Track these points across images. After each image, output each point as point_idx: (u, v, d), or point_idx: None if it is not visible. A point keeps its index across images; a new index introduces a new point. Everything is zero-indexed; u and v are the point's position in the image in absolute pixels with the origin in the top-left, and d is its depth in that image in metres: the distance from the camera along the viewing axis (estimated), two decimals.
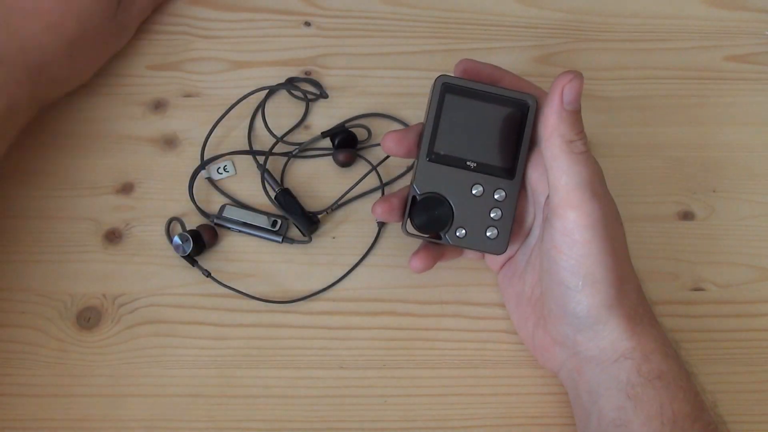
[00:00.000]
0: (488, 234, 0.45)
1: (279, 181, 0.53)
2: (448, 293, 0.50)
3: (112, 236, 0.51)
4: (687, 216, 0.53)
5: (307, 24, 0.58)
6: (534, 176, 0.45)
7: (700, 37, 0.59)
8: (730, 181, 0.54)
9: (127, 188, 0.52)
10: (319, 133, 0.54)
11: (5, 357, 0.47)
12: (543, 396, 0.47)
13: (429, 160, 0.45)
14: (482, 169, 0.45)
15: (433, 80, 0.45)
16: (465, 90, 0.45)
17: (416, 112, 0.55)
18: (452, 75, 0.45)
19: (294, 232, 0.51)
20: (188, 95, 0.55)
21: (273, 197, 0.51)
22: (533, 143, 0.45)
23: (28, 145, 0.53)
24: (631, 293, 0.42)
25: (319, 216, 0.51)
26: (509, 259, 0.48)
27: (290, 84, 0.56)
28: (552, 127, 0.41)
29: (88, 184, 0.52)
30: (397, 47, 0.58)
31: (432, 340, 0.49)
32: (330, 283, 0.50)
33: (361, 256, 0.51)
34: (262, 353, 0.48)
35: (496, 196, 0.45)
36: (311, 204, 0.52)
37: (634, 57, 0.58)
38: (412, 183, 0.45)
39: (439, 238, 0.45)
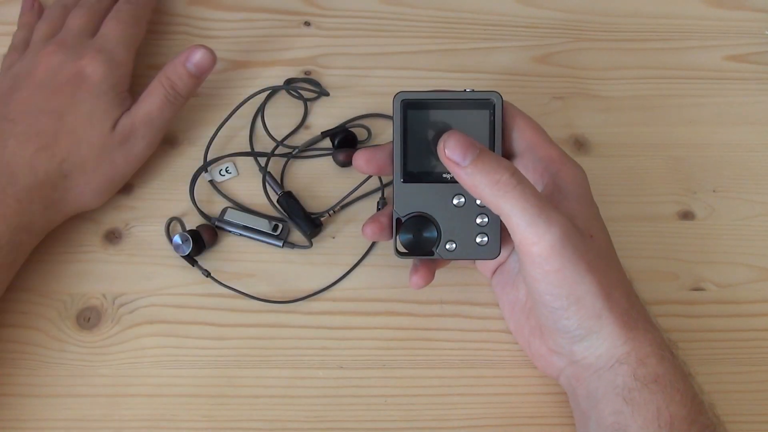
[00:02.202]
0: (478, 241, 0.45)
1: (280, 183, 0.52)
2: (448, 293, 0.50)
3: (112, 236, 0.51)
4: (687, 216, 0.53)
5: (307, 24, 0.58)
6: None
7: (700, 37, 0.59)
8: (730, 181, 0.54)
9: (127, 188, 0.52)
10: (319, 133, 0.54)
11: (5, 357, 0.47)
12: (543, 396, 0.47)
13: (404, 182, 0.44)
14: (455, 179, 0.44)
15: (392, 99, 0.44)
16: (426, 103, 0.44)
17: None
18: (410, 90, 0.44)
19: (295, 235, 0.51)
20: None
21: (275, 200, 0.51)
22: (506, 142, 0.44)
23: None
24: (621, 299, 0.42)
25: (321, 219, 0.51)
26: (500, 265, 0.48)
27: (292, 85, 0.55)
28: (473, 186, 0.40)
29: None
30: (397, 47, 0.58)
31: (432, 340, 0.49)
32: (330, 283, 0.50)
33: (360, 256, 0.51)
34: (262, 353, 0.48)
35: (478, 202, 0.44)
36: (311, 204, 0.52)
37: (634, 57, 0.58)
38: (393, 207, 0.45)
39: (432, 254, 0.45)
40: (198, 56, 0.50)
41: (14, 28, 0.57)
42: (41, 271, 0.50)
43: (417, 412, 0.47)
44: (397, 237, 0.45)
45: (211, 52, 0.50)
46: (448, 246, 0.44)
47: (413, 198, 0.44)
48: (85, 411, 0.46)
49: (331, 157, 0.54)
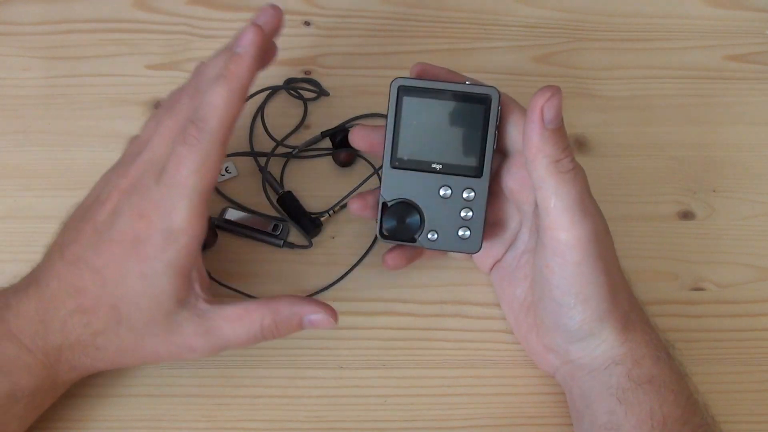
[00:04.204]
0: (460, 234, 0.45)
1: (280, 182, 0.52)
2: (448, 293, 0.50)
3: None
4: (687, 216, 0.53)
5: (307, 24, 0.58)
6: (513, 185, 0.44)
7: (700, 36, 0.59)
8: (730, 181, 0.54)
9: None
10: (319, 133, 0.54)
11: None
12: (543, 396, 0.47)
13: (392, 167, 0.44)
14: (448, 169, 0.44)
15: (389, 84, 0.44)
16: (422, 90, 0.44)
17: None
18: (408, 77, 0.44)
19: (295, 235, 0.51)
20: None
21: (275, 200, 0.51)
22: (502, 137, 0.44)
23: (28, 145, 0.53)
24: (623, 301, 0.42)
25: (321, 219, 0.51)
26: (497, 261, 0.48)
27: (292, 85, 0.56)
28: (536, 149, 0.40)
29: (88, 184, 0.52)
30: (397, 47, 0.58)
31: (432, 340, 0.49)
32: (330, 283, 0.50)
33: (360, 256, 0.51)
34: (262, 353, 0.48)
35: (464, 196, 0.44)
36: (311, 204, 0.52)
37: (634, 57, 0.58)
38: (380, 190, 0.45)
39: (414, 241, 0.45)
40: (318, 317, 0.42)
41: (15, 28, 0.57)
42: None
43: (417, 412, 0.47)
44: (382, 220, 0.45)
45: (333, 318, 0.42)
46: (430, 235, 0.45)
47: (400, 184, 0.45)
48: (85, 411, 0.46)
49: (331, 157, 0.54)
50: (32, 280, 0.42)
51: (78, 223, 0.42)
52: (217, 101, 0.39)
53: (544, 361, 0.45)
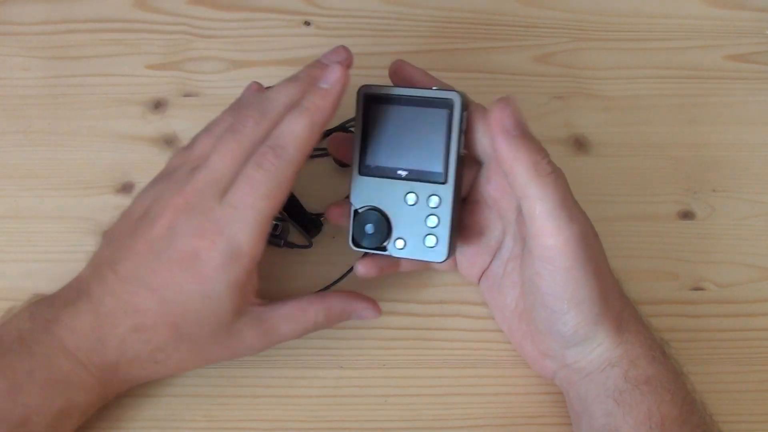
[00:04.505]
0: (427, 243, 0.44)
1: None
2: (448, 293, 0.50)
3: None
4: (687, 216, 0.53)
5: (307, 24, 0.58)
6: (493, 193, 0.44)
7: (700, 36, 0.59)
8: (730, 181, 0.54)
9: (127, 188, 0.52)
10: None
11: None
12: (543, 396, 0.47)
13: (361, 174, 0.44)
14: (413, 176, 0.44)
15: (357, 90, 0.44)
16: (387, 97, 0.44)
17: None
18: (374, 84, 0.44)
19: (295, 235, 0.51)
20: (188, 95, 0.55)
21: None
22: (473, 145, 0.44)
23: (28, 145, 0.53)
24: (615, 302, 0.42)
25: (321, 219, 0.51)
26: (485, 271, 0.47)
27: None
28: (511, 159, 0.39)
29: (88, 184, 0.52)
30: (397, 47, 0.58)
31: (432, 340, 0.49)
32: (330, 283, 0.50)
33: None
34: (262, 353, 0.48)
35: (430, 203, 0.43)
36: (310, 204, 0.52)
37: (634, 57, 0.58)
38: (350, 197, 0.45)
39: (385, 249, 0.45)
40: (366, 312, 0.45)
41: (15, 28, 0.57)
42: (41, 271, 0.50)
43: (417, 412, 0.47)
44: (352, 228, 0.45)
45: (377, 311, 0.45)
46: (398, 243, 0.44)
47: (368, 191, 0.44)
48: None
49: (331, 157, 0.54)
50: (83, 294, 0.41)
51: (128, 239, 0.41)
52: (298, 131, 0.40)
53: (541, 367, 0.45)
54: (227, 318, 0.41)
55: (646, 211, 0.53)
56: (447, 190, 0.43)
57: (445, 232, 0.43)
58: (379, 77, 0.56)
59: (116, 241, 0.42)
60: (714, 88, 0.57)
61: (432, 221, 0.43)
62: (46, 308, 0.41)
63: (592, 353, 0.41)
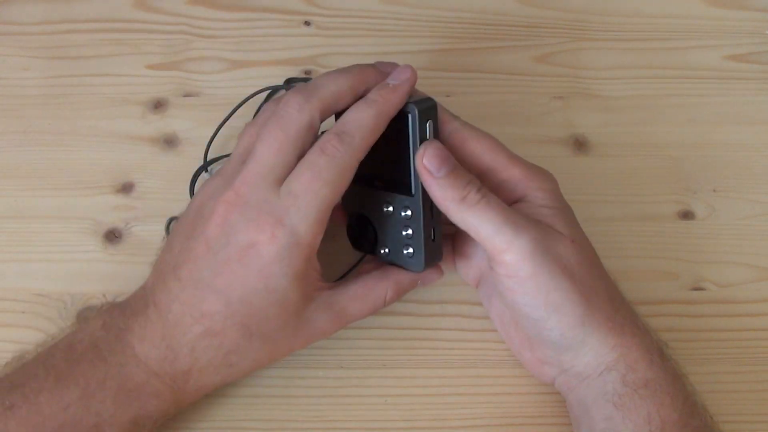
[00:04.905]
0: (405, 252, 0.44)
1: None
2: (448, 293, 0.50)
3: (112, 236, 0.51)
4: (687, 216, 0.53)
5: (307, 24, 0.58)
6: None
7: (700, 36, 0.59)
8: (730, 181, 0.54)
9: (127, 188, 0.52)
10: (319, 133, 0.54)
11: (5, 357, 0.47)
12: (543, 396, 0.47)
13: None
14: (387, 187, 0.43)
15: None
16: None
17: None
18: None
19: None
20: (188, 95, 0.55)
21: None
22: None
23: (28, 145, 0.53)
24: (604, 304, 0.41)
25: None
26: (482, 276, 0.47)
27: (292, 85, 0.56)
28: (441, 199, 0.40)
29: (88, 184, 0.52)
30: (397, 47, 0.58)
31: (432, 340, 0.49)
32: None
33: (361, 256, 0.51)
34: None
35: (403, 214, 0.43)
36: None
37: (634, 57, 0.58)
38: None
39: (375, 253, 0.45)
40: (432, 276, 0.46)
41: (15, 28, 0.57)
42: (41, 271, 0.50)
43: (417, 412, 0.47)
44: (348, 230, 0.46)
45: (441, 271, 0.46)
46: (382, 250, 0.45)
47: (355, 198, 0.45)
48: None
49: None
50: (150, 302, 0.40)
51: (187, 241, 0.40)
52: (365, 120, 0.40)
53: (540, 373, 0.45)
54: (296, 308, 0.40)
55: (646, 211, 0.53)
56: (416, 203, 0.42)
57: (419, 243, 0.43)
58: None
59: (174, 244, 0.41)
60: (714, 88, 0.57)
61: (408, 232, 0.43)
62: (119, 317, 0.41)
63: (587, 356, 0.41)
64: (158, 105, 0.55)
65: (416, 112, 0.41)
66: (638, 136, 0.55)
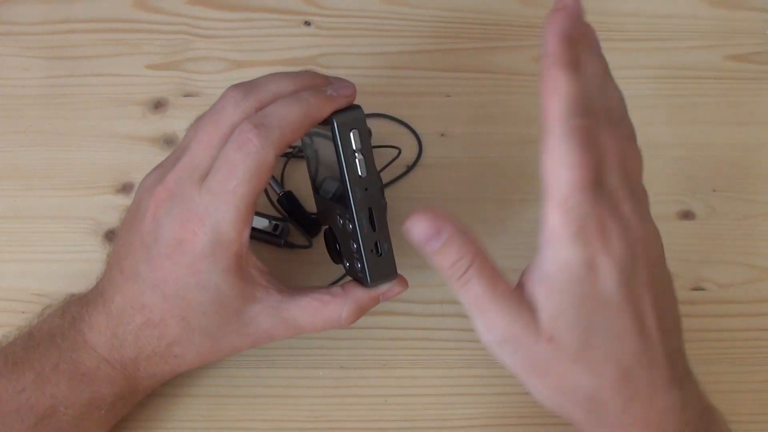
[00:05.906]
0: (358, 267, 0.41)
1: (280, 183, 0.53)
2: (448, 293, 0.50)
3: (112, 236, 0.51)
4: (687, 216, 0.53)
5: (307, 24, 0.58)
6: None
7: (700, 36, 0.59)
8: (730, 181, 0.54)
9: (126, 188, 0.52)
10: None
11: None
12: None
13: (314, 192, 0.45)
14: (335, 199, 0.42)
15: None
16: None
17: (416, 111, 0.55)
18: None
19: (295, 234, 0.51)
20: (188, 95, 0.55)
21: (275, 200, 0.51)
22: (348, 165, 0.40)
23: (28, 145, 0.53)
24: (585, 403, 0.37)
25: None
26: None
27: None
28: (439, 270, 0.35)
29: (88, 184, 0.52)
30: (397, 47, 0.58)
31: (432, 340, 0.49)
32: (330, 283, 0.50)
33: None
34: (262, 353, 0.48)
35: (349, 228, 0.41)
36: (311, 204, 0.52)
37: (634, 57, 0.58)
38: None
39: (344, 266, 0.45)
40: (394, 290, 0.43)
41: (15, 28, 0.57)
42: (41, 271, 0.50)
43: (417, 412, 0.47)
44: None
45: (405, 284, 0.43)
46: (346, 264, 0.44)
47: (322, 210, 0.45)
48: None
49: None
50: (99, 293, 0.42)
51: (127, 234, 0.41)
52: (290, 116, 0.38)
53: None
54: (236, 306, 0.40)
55: None
56: (352, 216, 0.40)
57: (362, 257, 0.41)
58: (378, 77, 0.56)
59: (120, 238, 0.42)
60: (714, 88, 0.57)
61: (353, 245, 0.41)
62: (75, 306, 0.42)
63: None
64: (158, 105, 0.55)
65: (335, 124, 0.39)
66: (638, 136, 0.55)
